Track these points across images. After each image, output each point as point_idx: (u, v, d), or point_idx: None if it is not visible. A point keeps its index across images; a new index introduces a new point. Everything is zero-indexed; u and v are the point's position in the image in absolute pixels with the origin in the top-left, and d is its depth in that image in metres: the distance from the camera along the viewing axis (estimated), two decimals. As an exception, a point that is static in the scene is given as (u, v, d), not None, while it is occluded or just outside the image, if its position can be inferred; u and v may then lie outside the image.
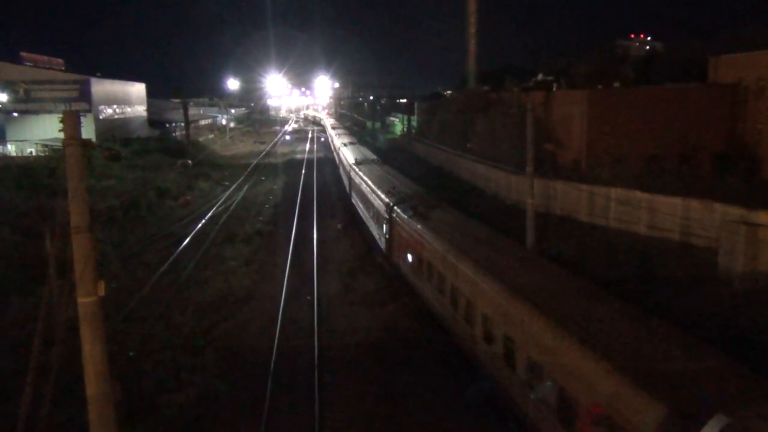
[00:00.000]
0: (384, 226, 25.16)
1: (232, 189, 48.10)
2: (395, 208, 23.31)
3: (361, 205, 33.72)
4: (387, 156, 51.27)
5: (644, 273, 22.06)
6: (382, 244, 26.13)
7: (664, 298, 19.25)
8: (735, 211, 22.54)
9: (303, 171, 59.44)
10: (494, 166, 38.91)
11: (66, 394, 12.42)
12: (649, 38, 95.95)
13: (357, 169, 36.10)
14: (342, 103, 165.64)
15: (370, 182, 30.43)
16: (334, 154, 62.75)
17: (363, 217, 32.51)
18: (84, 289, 8.55)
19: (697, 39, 48.13)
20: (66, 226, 8.52)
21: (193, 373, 16.76)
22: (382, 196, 26.11)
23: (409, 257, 20.98)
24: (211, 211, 38.82)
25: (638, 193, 27.02)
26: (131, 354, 17.95)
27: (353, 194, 37.64)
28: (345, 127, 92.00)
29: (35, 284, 20.55)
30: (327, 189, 49.16)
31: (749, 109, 34.30)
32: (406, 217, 21.73)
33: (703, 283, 20.94)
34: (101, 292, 8.64)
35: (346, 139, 59.81)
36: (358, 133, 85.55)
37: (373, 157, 42.54)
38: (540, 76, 68.30)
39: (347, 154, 45.02)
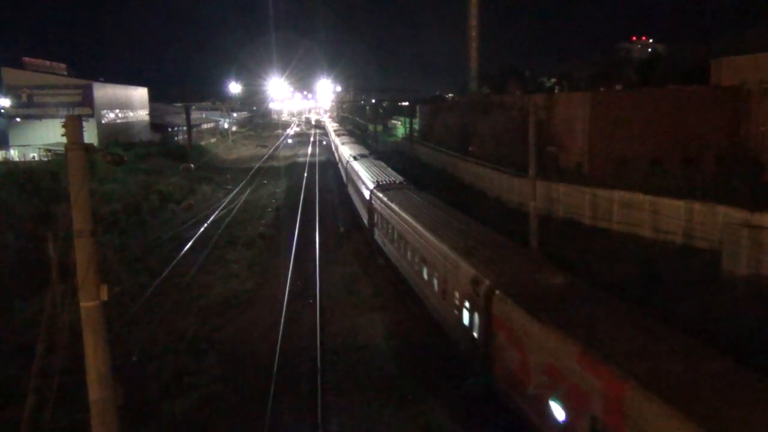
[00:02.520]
0: (468, 314, 15.16)
1: (234, 193, 48.12)
2: (501, 295, 13.17)
3: (395, 252, 24.38)
4: (391, 160, 51.09)
5: (648, 276, 21.99)
6: (464, 340, 15.68)
7: (668, 301, 19.18)
8: (738, 214, 22.50)
9: (305, 174, 59.48)
10: (496, 169, 38.89)
11: (68, 399, 12.39)
12: (651, 41, 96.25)
13: (385, 199, 26.32)
14: (344, 106, 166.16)
15: (420, 227, 20.33)
16: (340, 167, 53.15)
17: (404, 274, 23.01)
18: (86, 293, 8.53)
19: (700, 41, 48.28)
20: (68, 231, 8.51)
21: (195, 377, 16.74)
22: (462, 262, 15.76)
23: (559, 413, 10.78)
24: (214, 215, 38.84)
25: (641, 196, 26.98)
26: (134, 358, 17.93)
27: (378, 232, 28.27)
28: (350, 133, 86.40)
29: (38, 288, 20.58)
30: (329, 191, 49.15)
31: (752, 111, 34.23)
32: (539, 325, 11.46)
33: (707, 285, 20.88)
34: (104, 296, 8.62)
35: (355, 149, 48.85)
36: (361, 137, 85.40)
37: (398, 177, 32.73)
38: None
39: (360, 172, 35.55)
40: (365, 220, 32.00)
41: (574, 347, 10.26)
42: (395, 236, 23.88)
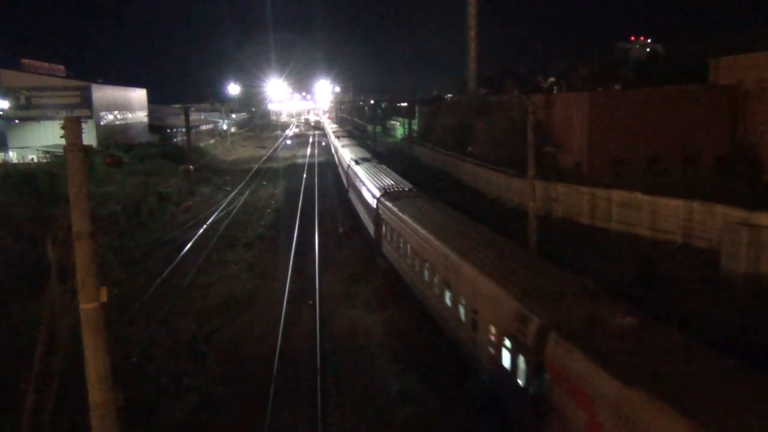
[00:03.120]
0: (510, 355, 12.41)
1: (233, 194, 48.12)
2: (559, 339, 10.56)
3: (408, 270, 21.58)
4: (391, 161, 51.01)
5: (647, 275, 22.02)
6: (504, 386, 12.79)
7: (667, 301, 19.20)
8: (737, 213, 22.54)
9: (304, 175, 59.52)
10: (495, 169, 38.93)
11: (68, 401, 12.40)
12: (649, 40, 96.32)
13: (395, 209, 23.55)
14: (342, 107, 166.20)
15: (440, 245, 17.49)
16: (340, 170, 50.74)
17: (419, 294, 20.25)
18: (86, 295, 8.54)
19: (698, 41, 48.28)
20: (68, 233, 8.52)
21: (195, 378, 16.74)
22: (500, 291, 13.11)
23: None
24: (213, 216, 38.83)
25: (640, 196, 27.01)
26: (134, 360, 17.93)
27: (387, 245, 25.38)
28: (349, 134, 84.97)
29: (37, 291, 20.54)
30: (328, 192, 49.15)
31: (750, 110, 34.29)
32: (620, 387, 8.79)
33: (706, 285, 20.90)
34: (103, 298, 8.62)
35: (356, 153, 45.99)
36: (360, 138, 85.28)
37: (406, 183, 29.90)
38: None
39: (364, 178, 32.59)
40: (371, 231, 29.04)
41: (677, 422, 7.75)
42: (408, 252, 21.16)
